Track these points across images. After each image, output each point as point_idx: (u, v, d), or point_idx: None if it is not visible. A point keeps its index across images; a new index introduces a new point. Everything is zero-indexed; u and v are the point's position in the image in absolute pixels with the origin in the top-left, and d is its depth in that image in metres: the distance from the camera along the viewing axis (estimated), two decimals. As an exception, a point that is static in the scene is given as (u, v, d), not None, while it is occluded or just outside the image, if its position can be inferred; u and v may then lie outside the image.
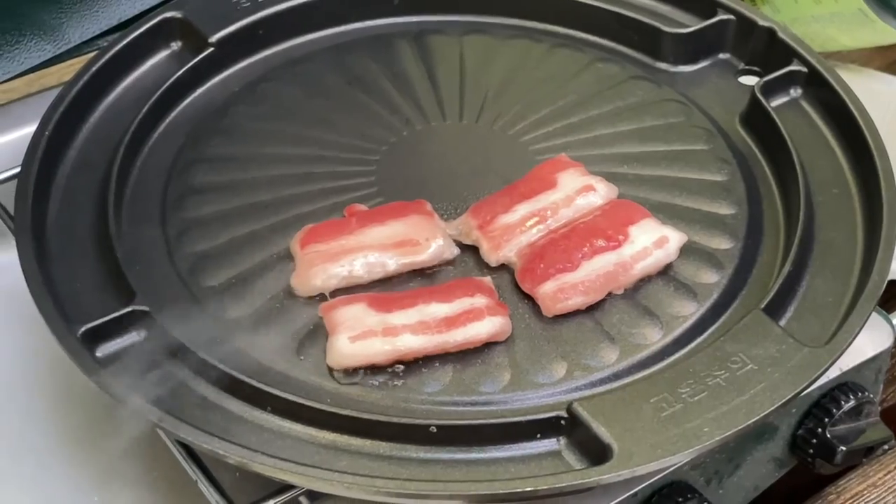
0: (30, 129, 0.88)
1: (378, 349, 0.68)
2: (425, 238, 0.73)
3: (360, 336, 0.68)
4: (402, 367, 0.68)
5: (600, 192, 0.76)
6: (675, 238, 0.73)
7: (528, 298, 0.72)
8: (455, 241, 0.74)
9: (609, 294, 0.72)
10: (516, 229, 0.74)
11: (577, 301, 0.71)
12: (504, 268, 0.73)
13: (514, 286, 0.72)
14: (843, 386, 0.75)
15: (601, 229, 0.73)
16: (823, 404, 0.74)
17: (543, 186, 0.76)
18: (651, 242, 0.73)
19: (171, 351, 0.68)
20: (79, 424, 0.77)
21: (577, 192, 0.75)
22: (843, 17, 0.94)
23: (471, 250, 0.74)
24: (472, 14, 0.91)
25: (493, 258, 0.73)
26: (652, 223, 0.74)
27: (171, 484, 0.73)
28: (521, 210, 0.74)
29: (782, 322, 0.69)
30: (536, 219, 0.74)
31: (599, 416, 0.63)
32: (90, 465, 0.75)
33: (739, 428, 0.62)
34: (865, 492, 0.82)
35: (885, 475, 0.82)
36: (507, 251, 0.73)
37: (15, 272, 0.73)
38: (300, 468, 0.62)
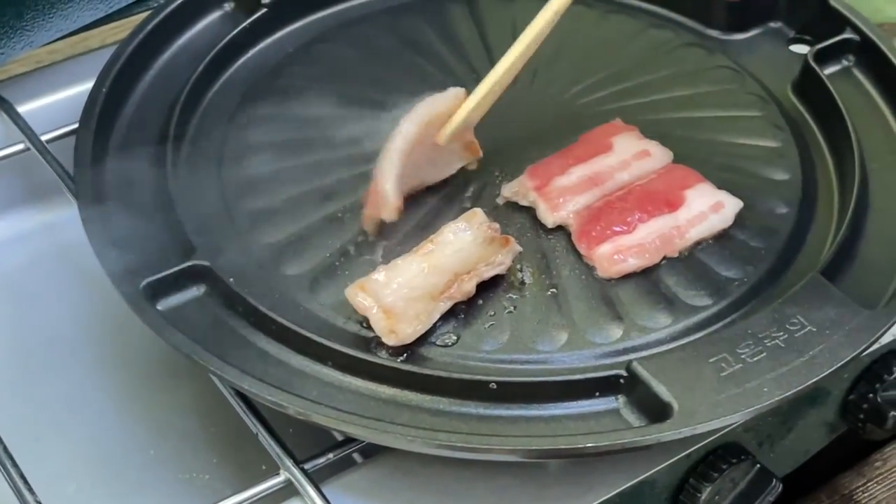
0: (78, 88, 0.89)
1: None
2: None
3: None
4: (465, 318, 0.69)
5: (656, 157, 0.76)
6: (730, 204, 0.74)
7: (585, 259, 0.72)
8: (512, 202, 0.75)
9: (665, 257, 0.72)
10: (572, 191, 0.74)
11: (632, 263, 0.71)
12: (561, 229, 0.74)
13: (570, 247, 0.73)
14: (895, 352, 0.75)
15: (658, 192, 0.73)
16: (875, 369, 0.75)
17: (599, 150, 0.76)
18: (707, 207, 0.73)
19: (230, 305, 0.69)
20: (135, 379, 0.77)
21: (633, 156, 0.76)
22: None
23: (527, 212, 0.75)
24: (524, -21, 0.92)
25: (550, 219, 0.74)
26: (708, 188, 0.74)
27: (227, 438, 0.74)
28: (577, 173, 0.75)
29: (839, 286, 0.69)
30: (592, 182, 0.74)
31: (660, 374, 0.63)
32: (146, 420, 0.76)
33: (800, 388, 0.63)
34: (912, 459, 0.83)
35: (932, 443, 0.83)
36: (563, 212, 0.73)
37: (70, 230, 0.74)
38: (362, 420, 0.62)
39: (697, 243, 0.73)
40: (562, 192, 0.74)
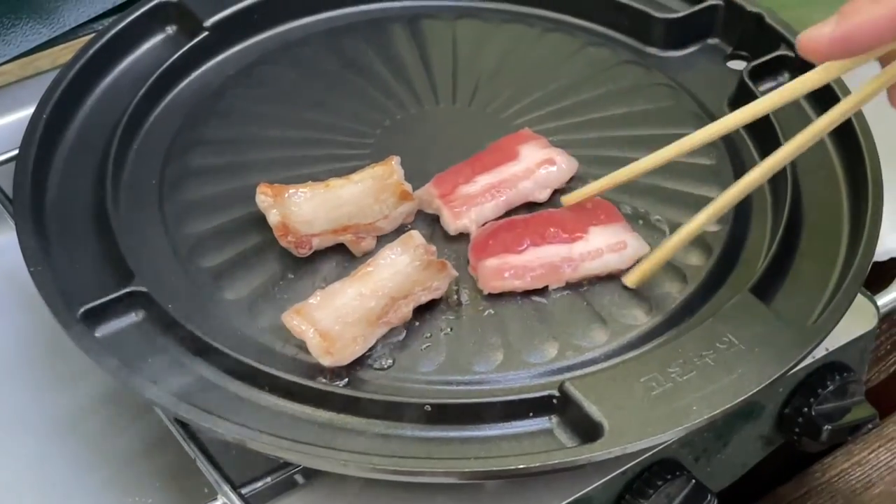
0: (25, 113, 0.89)
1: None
2: None
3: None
4: (401, 339, 0.70)
5: (560, 166, 0.77)
6: (634, 246, 0.73)
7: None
8: (419, 210, 0.76)
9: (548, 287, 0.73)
10: (476, 199, 0.75)
11: (513, 283, 0.72)
12: (464, 238, 0.75)
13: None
14: (829, 365, 0.76)
15: (565, 221, 0.74)
16: (810, 383, 0.76)
17: (505, 158, 0.77)
18: (606, 245, 0.73)
19: (169, 331, 0.69)
20: (77, 404, 0.78)
21: (538, 164, 0.77)
22: (832, 2, 0.95)
23: (432, 219, 0.76)
24: (466, -1, 0.93)
25: (452, 227, 0.75)
26: (618, 228, 0.74)
27: (168, 463, 0.74)
28: (482, 181, 0.76)
29: (770, 303, 0.70)
30: (496, 190, 0.76)
31: (591, 394, 0.64)
32: (89, 445, 0.76)
33: (728, 406, 0.64)
34: (850, 469, 0.83)
35: (870, 453, 0.84)
36: (465, 220, 0.75)
37: (11, 254, 0.75)
38: (297, 446, 0.63)
39: (592, 278, 0.73)
40: (465, 200, 0.75)
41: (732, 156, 0.81)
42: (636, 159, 0.79)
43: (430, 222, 0.76)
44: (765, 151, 0.80)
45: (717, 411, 0.64)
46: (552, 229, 0.73)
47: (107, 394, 0.77)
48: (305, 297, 0.70)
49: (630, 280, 0.72)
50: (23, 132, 0.79)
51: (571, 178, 0.78)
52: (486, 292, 0.72)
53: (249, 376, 0.67)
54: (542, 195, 0.77)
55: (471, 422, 0.66)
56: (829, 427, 0.75)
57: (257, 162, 0.80)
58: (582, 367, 0.69)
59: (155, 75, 0.84)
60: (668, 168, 0.79)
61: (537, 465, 0.62)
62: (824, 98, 0.82)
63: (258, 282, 0.73)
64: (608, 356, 0.70)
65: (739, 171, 0.80)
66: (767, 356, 0.66)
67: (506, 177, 0.76)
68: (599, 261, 0.73)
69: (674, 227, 0.75)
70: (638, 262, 0.73)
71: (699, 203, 0.77)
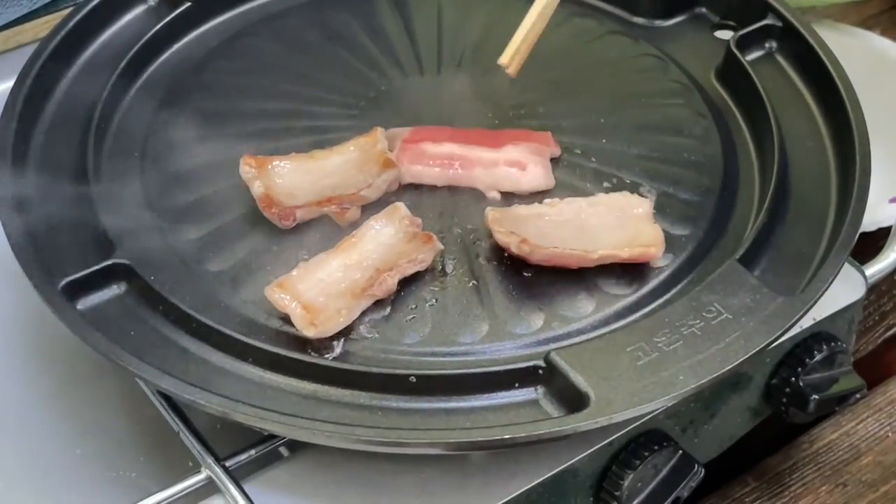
0: (5, 86, 0.88)
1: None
2: None
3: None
4: (386, 311, 0.69)
5: (529, 174, 0.76)
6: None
7: (507, 253, 0.72)
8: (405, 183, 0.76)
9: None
10: (425, 160, 0.75)
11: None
12: (448, 210, 0.75)
13: (492, 239, 0.73)
14: (817, 336, 0.76)
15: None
16: (797, 354, 0.75)
17: (488, 142, 0.77)
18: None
19: (151, 303, 0.69)
20: (60, 378, 0.77)
21: (507, 162, 0.76)
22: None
23: (450, 198, 0.76)
24: (450, -31, 0.92)
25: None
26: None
27: (152, 436, 0.73)
28: (447, 148, 0.76)
29: (757, 272, 0.70)
30: (450, 162, 0.76)
31: (577, 365, 0.64)
32: (72, 418, 0.75)
33: (714, 376, 0.63)
34: (838, 440, 0.83)
35: (858, 424, 0.84)
36: (406, 171, 0.75)
37: (-9, 229, 0.74)
38: (281, 417, 0.63)
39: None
40: (419, 156, 0.75)
41: (720, 126, 0.80)
42: (622, 129, 0.79)
43: (416, 194, 0.75)
44: (752, 120, 0.81)
45: (704, 380, 0.63)
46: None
47: (89, 367, 0.77)
48: (290, 269, 0.70)
49: (504, 62, 0.77)
50: (2, 105, 0.78)
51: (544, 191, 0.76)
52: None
53: (233, 348, 0.67)
54: (490, 193, 0.76)
55: (456, 393, 0.65)
56: (817, 397, 0.75)
57: (240, 134, 0.79)
58: (568, 338, 0.68)
59: (136, 47, 0.83)
60: (657, 139, 0.79)
61: (523, 435, 0.62)
62: (813, 68, 0.82)
63: (241, 254, 0.72)
64: (594, 326, 0.69)
65: (727, 140, 0.80)
66: (755, 325, 0.66)
67: (469, 156, 0.76)
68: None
69: (662, 198, 0.75)
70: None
71: (687, 173, 0.77)
